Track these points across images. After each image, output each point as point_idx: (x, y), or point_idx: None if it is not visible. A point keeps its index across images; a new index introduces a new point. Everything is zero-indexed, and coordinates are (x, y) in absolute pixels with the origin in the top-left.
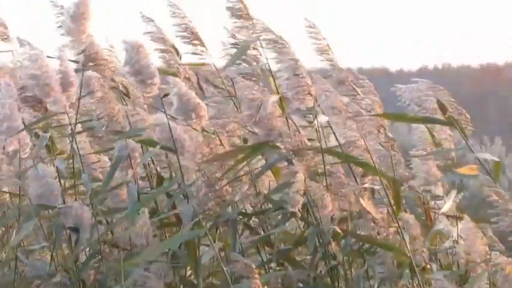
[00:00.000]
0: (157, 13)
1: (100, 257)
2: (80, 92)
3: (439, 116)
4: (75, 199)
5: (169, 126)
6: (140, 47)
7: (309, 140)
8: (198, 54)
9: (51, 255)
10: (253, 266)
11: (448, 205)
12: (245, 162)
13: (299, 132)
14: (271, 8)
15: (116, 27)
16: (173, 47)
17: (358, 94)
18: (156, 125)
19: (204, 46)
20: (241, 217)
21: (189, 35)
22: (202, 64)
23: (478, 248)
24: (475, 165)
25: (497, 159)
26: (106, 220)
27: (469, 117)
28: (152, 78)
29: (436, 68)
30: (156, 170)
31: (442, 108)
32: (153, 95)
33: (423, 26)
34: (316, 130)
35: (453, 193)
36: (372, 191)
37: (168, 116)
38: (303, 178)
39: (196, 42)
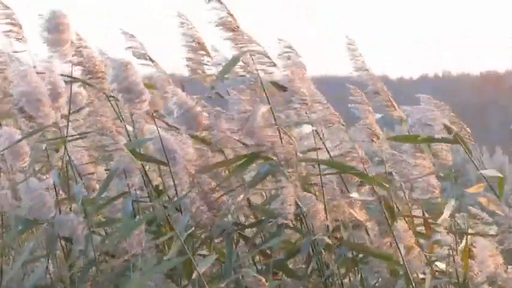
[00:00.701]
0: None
1: (96, 268)
2: (69, 106)
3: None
4: (70, 209)
5: (160, 137)
6: (128, 64)
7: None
8: (204, 64)
9: (47, 265)
10: (264, 280)
11: (446, 215)
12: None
13: (292, 142)
14: (271, 8)
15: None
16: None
17: (393, 105)
18: (148, 139)
19: (209, 56)
20: (236, 228)
21: (195, 45)
22: (208, 75)
23: (489, 266)
24: (482, 183)
25: (501, 175)
26: (105, 231)
27: (469, 131)
28: (141, 95)
29: (437, 76)
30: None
31: (448, 128)
32: (143, 111)
33: (424, 32)
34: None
35: (451, 203)
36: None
37: (165, 127)
38: (293, 190)
39: (202, 52)
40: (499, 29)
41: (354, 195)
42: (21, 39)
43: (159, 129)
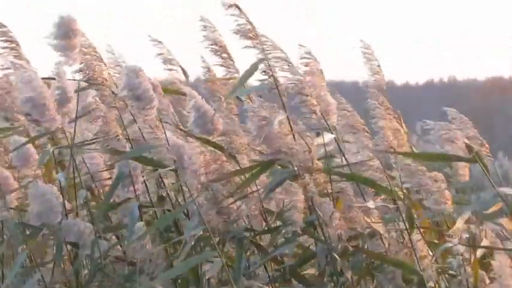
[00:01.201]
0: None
1: (102, 273)
2: (76, 112)
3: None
4: (76, 214)
5: (167, 142)
6: (140, 71)
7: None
8: (226, 67)
9: (52, 270)
10: None
11: (459, 224)
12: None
13: (309, 151)
14: (271, 8)
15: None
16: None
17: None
18: (159, 145)
19: (231, 59)
20: (248, 234)
21: (218, 49)
22: (230, 78)
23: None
24: (500, 203)
25: None
26: (117, 236)
27: (488, 146)
28: (152, 101)
29: (442, 81)
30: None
31: (469, 147)
32: (151, 117)
33: (427, 34)
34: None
35: (466, 214)
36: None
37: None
38: (303, 197)
39: (224, 55)
40: (503, 29)
41: (370, 204)
42: (18, 56)
43: (167, 134)
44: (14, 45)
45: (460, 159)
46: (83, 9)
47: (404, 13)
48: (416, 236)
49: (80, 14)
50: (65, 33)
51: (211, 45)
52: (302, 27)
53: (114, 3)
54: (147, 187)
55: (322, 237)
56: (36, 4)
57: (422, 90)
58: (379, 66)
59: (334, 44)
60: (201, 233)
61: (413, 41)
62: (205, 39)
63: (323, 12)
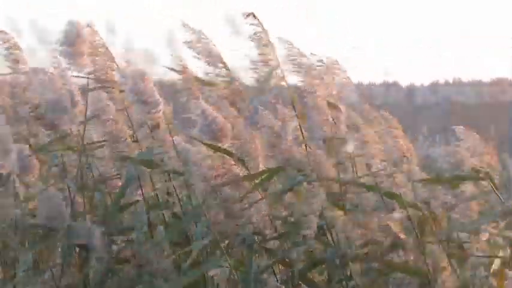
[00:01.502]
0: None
1: (112, 274)
2: (86, 113)
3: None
4: (85, 218)
5: (174, 146)
6: (145, 75)
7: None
8: (222, 76)
9: (61, 271)
10: None
11: (483, 237)
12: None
13: (319, 159)
14: (271, 8)
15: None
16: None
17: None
18: (166, 150)
19: (228, 69)
20: (258, 240)
21: (213, 59)
22: (229, 84)
23: None
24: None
25: None
26: (127, 238)
27: (496, 159)
28: (157, 105)
29: (447, 83)
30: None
31: (476, 171)
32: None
33: (428, 37)
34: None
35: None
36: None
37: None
38: (321, 200)
39: (220, 65)
40: (503, 29)
41: (395, 215)
42: (19, 61)
43: (174, 139)
44: (15, 50)
45: (473, 178)
46: (83, 9)
47: (404, 13)
48: (432, 246)
49: (80, 14)
50: (72, 41)
51: (206, 58)
52: (302, 27)
53: (114, 3)
54: (154, 189)
55: (332, 243)
56: (36, 4)
57: (427, 91)
58: (348, 77)
59: (334, 44)
60: (211, 238)
61: (413, 41)
62: (200, 51)
63: (323, 12)
